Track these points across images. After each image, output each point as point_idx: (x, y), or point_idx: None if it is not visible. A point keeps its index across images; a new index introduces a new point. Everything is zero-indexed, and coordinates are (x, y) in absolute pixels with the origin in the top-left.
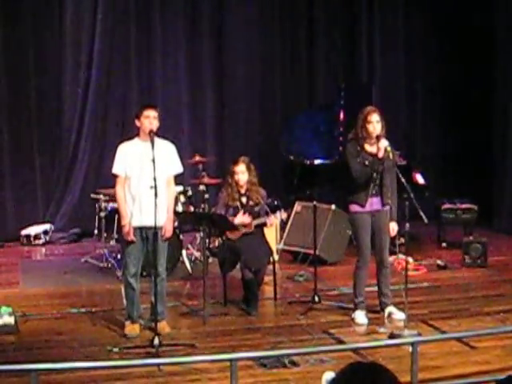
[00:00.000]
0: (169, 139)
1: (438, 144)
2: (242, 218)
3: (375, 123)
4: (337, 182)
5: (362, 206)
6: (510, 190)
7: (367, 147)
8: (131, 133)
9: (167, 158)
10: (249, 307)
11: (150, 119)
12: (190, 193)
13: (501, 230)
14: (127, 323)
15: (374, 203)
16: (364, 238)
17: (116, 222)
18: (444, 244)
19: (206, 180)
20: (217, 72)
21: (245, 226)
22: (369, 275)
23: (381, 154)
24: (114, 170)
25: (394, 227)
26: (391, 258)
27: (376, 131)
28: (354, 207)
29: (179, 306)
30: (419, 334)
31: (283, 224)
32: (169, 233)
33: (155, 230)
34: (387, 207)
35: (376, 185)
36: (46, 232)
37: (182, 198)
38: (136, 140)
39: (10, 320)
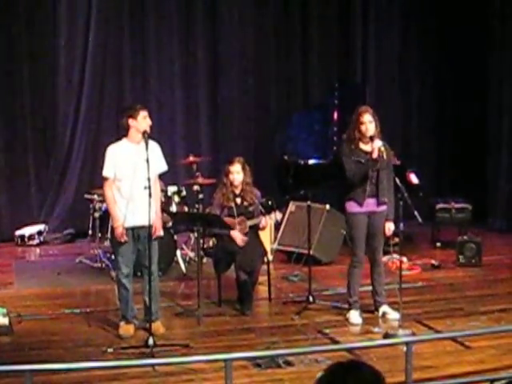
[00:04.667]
0: (152, 138)
1: (432, 143)
2: (235, 235)
3: (368, 123)
4: (331, 181)
5: (360, 204)
6: (504, 190)
7: (362, 146)
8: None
9: (153, 157)
10: (243, 307)
11: (147, 120)
12: (184, 193)
13: (495, 229)
14: (121, 324)
15: (370, 204)
16: (359, 239)
17: (110, 222)
18: (438, 244)
19: (201, 180)
20: (211, 72)
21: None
22: (363, 275)
23: (375, 155)
24: (105, 173)
25: (389, 227)
26: (385, 258)
27: (369, 131)
28: (352, 206)
29: (173, 306)
30: (413, 334)
31: (277, 224)
32: (159, 231)
33: (149, 229)
34: (383, 207)
35: (372, 183)
36: (40, 232)
37: (176, 198)
38: (125, 141)
39: (5, 321)
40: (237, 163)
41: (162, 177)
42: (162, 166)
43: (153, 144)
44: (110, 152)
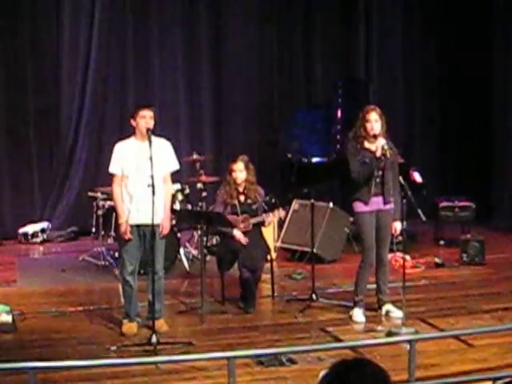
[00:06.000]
0: (164, 137)
1: (435, 142)
2: (237, 233)
3: (373, 122)
4: (334, 180)
5: (366, 203)
6: (508, 188)
7: (367, 144)
8: (129, 131)
9: (163, 155)
10: (246, 305)
11: (146, 119)
12: (187, 191)
13: (498, 227)
14: (125, 321)
15: (376, 203)
16: (369, 239)
17: (113, 220)
18: (442, 242)
19: (204, 178)
20: (214, 70)
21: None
22: None
23: (378, 154)
24: (111, 169)
25: (396, 226)
26: (389, 256)
27: (374, 130)
28: (359, 205)
29: (177, 304)
30: (417, 332)
31: (281, 222)
32: (166, 230)
33: (153, 227)
34: (390, 206)
35: (378, 183)
36: (43, 230)
37: (180, 196)
38: (132, 139)
39: (8, 318)
40: (240, 161)
41: None
42: (173, 165)
43: (163, 142)
44: (116, 149)
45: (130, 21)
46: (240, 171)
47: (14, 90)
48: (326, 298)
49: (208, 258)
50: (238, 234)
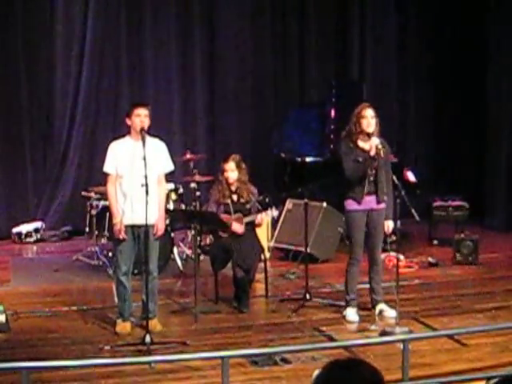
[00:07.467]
0: (159, 137)
1: (429, 141)
2: (235, 226)
3: (370, 118)
4: (328, 179)
5: (359, 202)
6: (502, 188)
7: (360, 143)
8: (122, 131)
9: (158, 156)
10: (240, 305)
11: (140, 118)
12: (181, 190)
13: (492, 227)
14: (119, 321)
15: (369, 202)
16: (357, 236)
17: (107, 219)
18: (435, 241)
19: (198, 177)
20: (208, 69)
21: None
22: (361, 272)
23: (372, 153)
24: (105, 169)
25: (389, 225)
26: (382, 256)
27: (370, 126)
28: (350, 204)
29: (170, 303)
30: (410, 332)
31: (274, 222)
32: (161, 231)
33: (146, 228)
34: (382, 205)
35: (371, 181)
36: (37, 230)
37: (174, 196)
38: (127, 138)
39: (2, 318)
40: (231, 161)
41: None
42: (167, 166)
43: (158, 143)
44: (110, 148)
45: (123, 21)
46: (232, 171)
47: (7, 90)
48: (320, 297)
49: (202, 257)
50: (236, 227)
